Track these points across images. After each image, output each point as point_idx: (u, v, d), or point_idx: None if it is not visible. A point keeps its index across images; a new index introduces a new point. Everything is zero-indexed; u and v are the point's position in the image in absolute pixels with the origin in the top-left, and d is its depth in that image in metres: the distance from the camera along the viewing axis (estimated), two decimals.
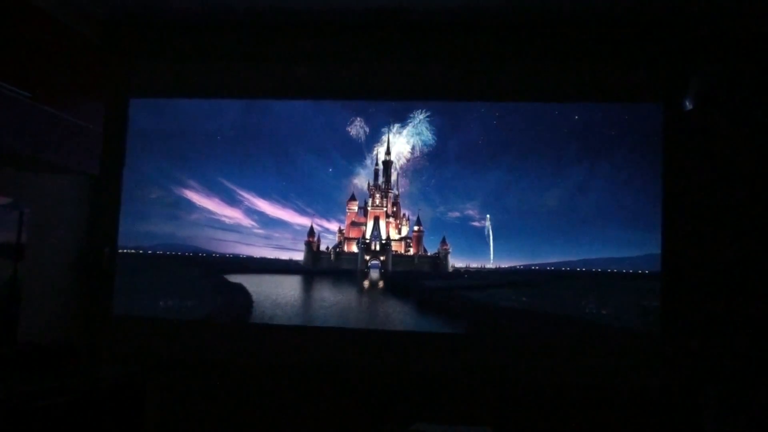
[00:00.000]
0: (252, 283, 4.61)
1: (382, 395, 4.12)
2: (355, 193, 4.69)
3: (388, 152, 4.64)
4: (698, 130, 4.00)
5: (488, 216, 4.46)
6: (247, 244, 4.63)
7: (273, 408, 4.21)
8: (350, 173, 4.65)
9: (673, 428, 3.85)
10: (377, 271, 4.64)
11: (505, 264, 4.44)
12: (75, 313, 4.31)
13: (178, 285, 4.60)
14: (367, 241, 4.71)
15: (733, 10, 3.82)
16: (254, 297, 4.57)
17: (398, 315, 4.47)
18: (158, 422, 4.14)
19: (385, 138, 4.61)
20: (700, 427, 3.75)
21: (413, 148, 4.56)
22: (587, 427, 3.94)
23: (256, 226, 4.65)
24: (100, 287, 4.42)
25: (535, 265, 4.38)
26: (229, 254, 4.61)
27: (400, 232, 4.74)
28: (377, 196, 4.74)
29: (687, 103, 4.00)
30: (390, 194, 4.74)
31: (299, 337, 4.38)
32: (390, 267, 4.63)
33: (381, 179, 4.70)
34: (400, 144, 4.59)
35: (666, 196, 4.10)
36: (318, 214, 4.64)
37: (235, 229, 4.64)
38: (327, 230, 4.67)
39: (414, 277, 4.58)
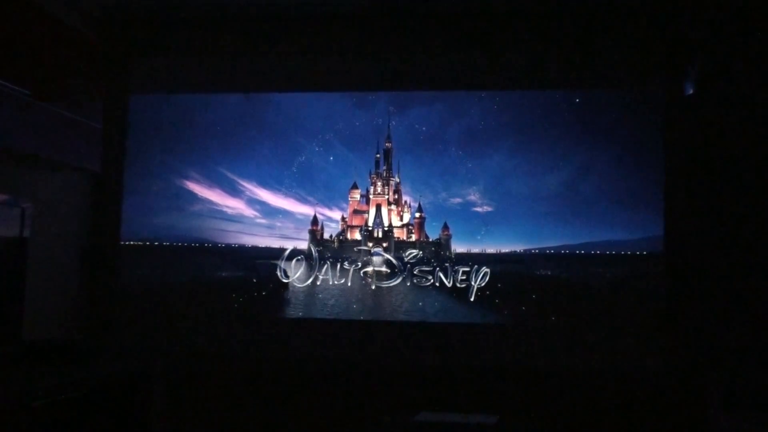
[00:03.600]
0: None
1: (388, 385, 4.15)
2: (357, 182, 4.70)
3: (388, 140, 4.63)
4: (699, 114, 4.00)
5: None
6: (251, 234, 4.63)
7: (281, 398, 4.25)
8: (351, 161, 4.66)
9: (678, 414, 3.88)
10: (380, 257, 4.65)
11: (506, 248, 4.44)
12: (79, 308, 4.32)
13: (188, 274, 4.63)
14: (370, 228, 4.73)
15: None
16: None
17: (399, 298, 4.50)
18: (164, 416, 4.17)
19: (385, 126, 4.60)
20: (704, 413, 3.77)
21: (414, 135, 4.56)
22: (592, 414, 3.98)
23: (259, 216, 4.65)
24: (104, 282, 4.43)
25: (536, 249, 4.39)
26: (235, 244, 4.62)
27: (402, 219, 4.75)
28: (379, 183, 4.75)
29: (688, 88, 4.00)
30: (391, 182, 4.74)
31: (305, 329, 4.41)
32: (392, 253, 4.65)
33: (382, 167, 4.70)
34: (401, 131, 4.58)
35: (668, 180, 4.13)
36: (320, 203, 4.64)
37: (237, 219, 4.64)
38: (330, 219, 4.68)
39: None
